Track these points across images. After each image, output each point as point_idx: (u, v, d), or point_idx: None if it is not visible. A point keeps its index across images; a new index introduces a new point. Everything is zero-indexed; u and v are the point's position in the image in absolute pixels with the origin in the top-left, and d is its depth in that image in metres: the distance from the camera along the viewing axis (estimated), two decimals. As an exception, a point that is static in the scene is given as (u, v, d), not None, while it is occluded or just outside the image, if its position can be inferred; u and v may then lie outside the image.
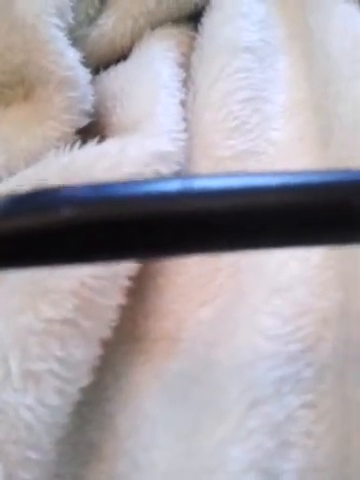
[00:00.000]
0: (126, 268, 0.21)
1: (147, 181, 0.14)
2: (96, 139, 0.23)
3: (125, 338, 0.23)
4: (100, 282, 0.20)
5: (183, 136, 0.24)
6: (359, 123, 0.22)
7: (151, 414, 0.20)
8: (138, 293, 0.23)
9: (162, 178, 0.23)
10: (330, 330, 0.20)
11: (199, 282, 0.23)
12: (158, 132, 0.23)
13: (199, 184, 0.13)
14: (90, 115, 0.26)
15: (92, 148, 0.23)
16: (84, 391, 0.20)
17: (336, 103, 0.24)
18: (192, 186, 0.13)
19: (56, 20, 0.25)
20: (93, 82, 0.27)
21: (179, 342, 0.22)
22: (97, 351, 0.20)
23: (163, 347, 0.22)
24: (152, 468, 0.19)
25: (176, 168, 0.23)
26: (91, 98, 0.26)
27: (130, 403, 0.21)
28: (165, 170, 0.22)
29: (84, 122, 0.26)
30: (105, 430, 0.21)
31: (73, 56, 0.26)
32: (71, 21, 0.27)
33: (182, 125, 0.25)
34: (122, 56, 0.30)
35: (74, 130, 0.26)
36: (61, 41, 0.25)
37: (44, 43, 0.24)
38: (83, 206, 0.12)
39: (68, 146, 0.23)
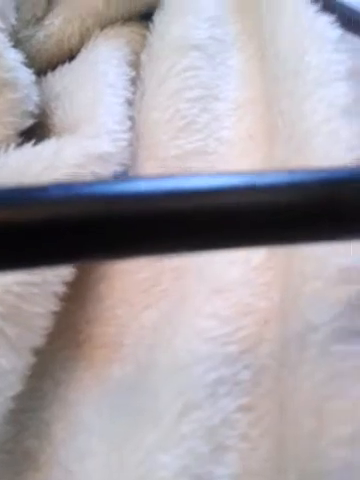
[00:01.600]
0: (59, 274, 0.20)
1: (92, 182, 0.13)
2: (33, 141, 0.22)
3: (67, 344, 0.22)
4: (28, 289, 0.19)
5: (126, 136, 0.24)
6: (300, 120, 0.22)
7: (89, 422, 0.20)
8: (80, 298, 0.22)
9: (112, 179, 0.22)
10: (270, 331, 0.19)
11: (142, 287, 0.22)
12: (97, 133, 0.23)
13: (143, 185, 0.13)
14: (35, 116, 0.26)
15: (27, 150, 0.22)
16: (21, 398, 0.19)
17: (280, 99, 0.24)
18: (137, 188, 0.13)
19: None
20: (39, 83, 0.27)
21: (121, 347, 0.21)
22: (28, 360, 0.19)
23: (105, 353, 0.22)
24: (86, 478, 0.18)
25: (116, 169, 0.23)
26: (35, 99, 0.26)
27: (68, 411, 0.20)
28: (103, 171, 0.22)
29: (27, 123, 0.25)
30: (42, 438, 0.20)
31: (14, 57, 0.25)
32: (14, 22, 0.26)
33: (126, 125, 0.24)
34: (71, 57, 0.29)
35: (17, 132, 0.25)
36: (0, 42, 0.25)
37: None
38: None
39: (3, 148, 0.23)
